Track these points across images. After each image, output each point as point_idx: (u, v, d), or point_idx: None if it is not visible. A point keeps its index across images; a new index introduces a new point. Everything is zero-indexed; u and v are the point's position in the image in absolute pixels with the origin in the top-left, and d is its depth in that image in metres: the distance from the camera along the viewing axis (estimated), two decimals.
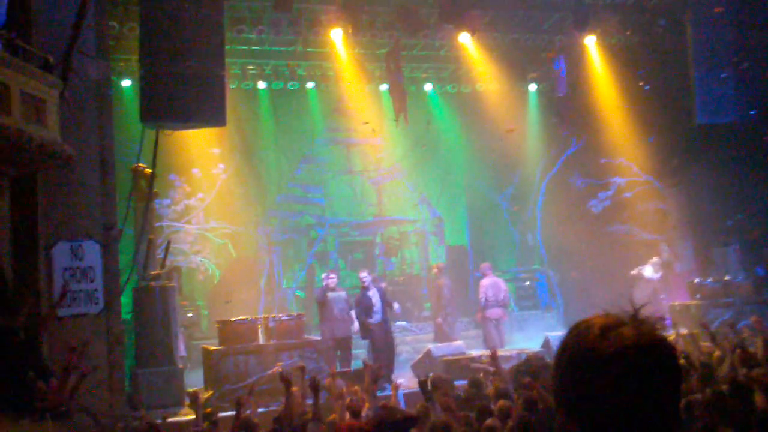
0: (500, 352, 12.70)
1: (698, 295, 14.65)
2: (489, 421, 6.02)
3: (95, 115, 10.52)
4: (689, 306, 14.29)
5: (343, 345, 13.17)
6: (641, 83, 17.02)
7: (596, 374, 1.54)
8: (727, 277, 15.09)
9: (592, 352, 1.56)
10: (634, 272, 15.92)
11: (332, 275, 13.62)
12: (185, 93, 11.40)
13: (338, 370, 11.82)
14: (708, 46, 15.16)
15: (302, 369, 8.83)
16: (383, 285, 14.47)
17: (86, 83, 10.28)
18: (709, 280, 15.02)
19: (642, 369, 1.53)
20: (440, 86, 19.35)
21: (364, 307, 13.02)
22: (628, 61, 16.97)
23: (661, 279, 15.86)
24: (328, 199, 18.94)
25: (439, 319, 15.47)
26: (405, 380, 11.52)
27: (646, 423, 1.53)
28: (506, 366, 9.95)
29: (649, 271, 15.84)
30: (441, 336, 15.13)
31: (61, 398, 7.07)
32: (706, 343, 10.34)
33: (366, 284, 13.20)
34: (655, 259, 16.02)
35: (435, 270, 16.02)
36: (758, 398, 6.59)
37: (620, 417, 1.53)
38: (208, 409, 9.00)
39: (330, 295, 13.23)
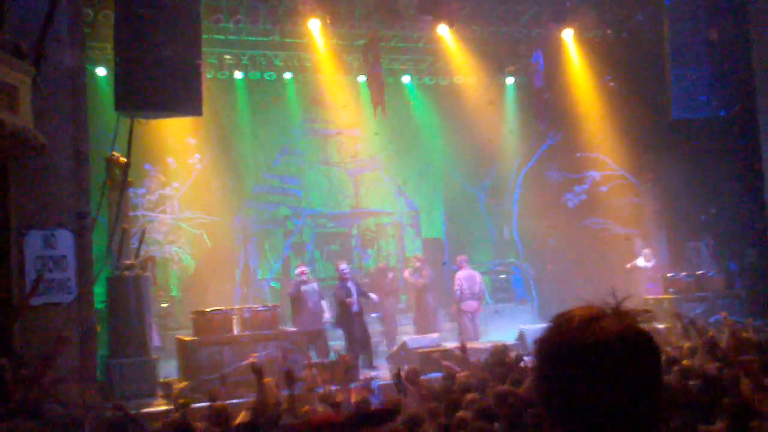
0: (474, 345, 12.80)
1: (671, 289, 14.79)
2: (460, 413, 6.03)
3: (69, 103, 10.40)
4: (662, 300, 14.43)
5: (318, 337, 13.19)
6: (608, 80, 17.13)
7: (576, 365, 1.53)
8: (699, 272, 15.25)
9: (572, 343, 1.54)
10: (629, 266, 16.07)
11: (304, 268, 13.62)
12: (161, 82, 11.28)
13: (314, 361, 11.84)
14: (684, 42, 15.27)
15: (285, 357, 8.78)
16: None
17: (60, 71, 10.16)
18: (683, 274, 15.17)
19: (623, 361, 1.52)
20: (418, 78, 19.33)
21: (341, 298, 13.09)
22: (605, 55, 17.06)
23: (654, 267, 16.06)
24: (305, 190, 18.89)
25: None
26: (381, 372, 11.55)
27: (627, 415, 1.52)
28: (481, 358, 10.01)
29: (642, 261, 16.04)
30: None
31: (33, 388, 7.01)
32: (673, 339, 10.47)
33: (346, 275, 13.23)
34: (646, 251, 16.22)
35: (417, 263, 15.86)
36: (744, 386, 6.69)
37: (600, 409, 1.51)
38: (182, 400, 8.95)
39: (303, 288, 13.26)
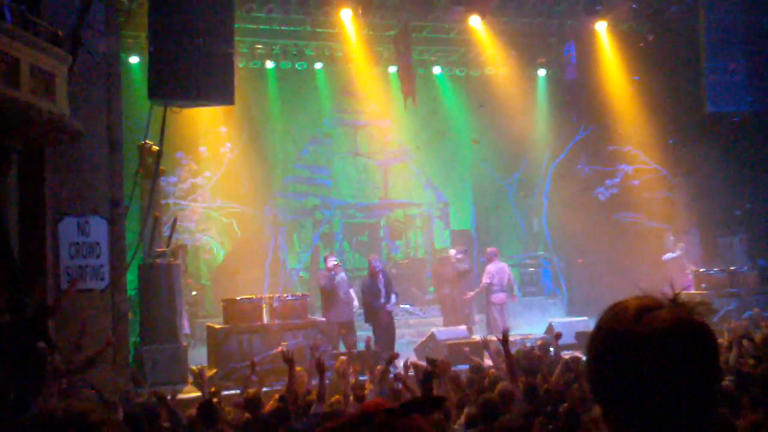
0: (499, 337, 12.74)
1: (703, 285, 14.62)
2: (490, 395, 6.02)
3: (103, 91, 10.51)
4: (694, 296, 14.28)
5: (348, 327, 13.20)
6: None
7: (631, 355, 1.50)
8: (732, 268, 15.06)
9: (627, 333, 1.52)
10: (665, 257, 15.92)
11: (333, 258, 13.61)
12: (193, 70, 11.34)
13: (342, 351, 11.88)
14: (721, 34, 15.05)
15: (315, 347, 8.79)
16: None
17: (95, 59, 10.26)
18: (715, 269, 14.99)
19: (678, 351, 1.49)
20: (449, 69, 19.25)
21: (373, 292, 13.08)
22: (639, 48, 16.86)
23: (684, 251, 15.88)
24: (335, 181, 18.91)
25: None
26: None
27: (682, 407, 1.50)
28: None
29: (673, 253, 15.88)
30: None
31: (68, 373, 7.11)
32: None
33: (377, 270, 13.22)
34: (680, 245, 16.05)
35: (459, 254, 15.62)
36: None
37: (655, 400, 1.49)
38: (213, 388, 9.02)
39: (336, 278, 13.26)
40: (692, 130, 16.16)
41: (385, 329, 13.00)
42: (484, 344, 9.10)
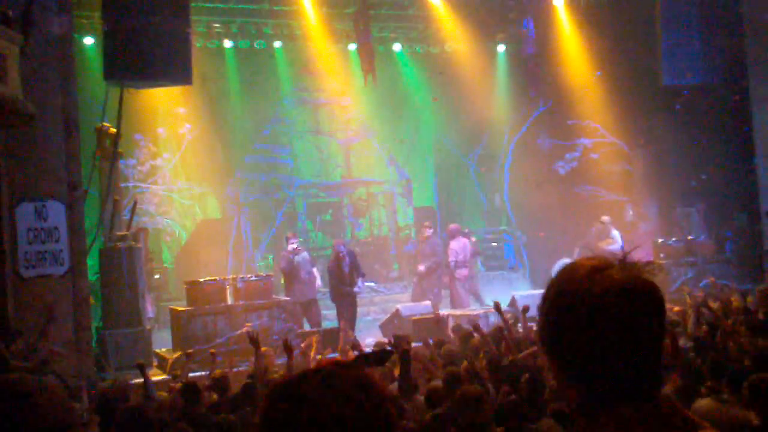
0: (466, 312, 12.90)
1: (662, 255, 14.88)
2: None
3: (58, 72, 10.29)
4: (657, 274, 14.49)
5: (311, 306, 13.26)
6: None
7: (582, 313, 1.56)
8: (689, 237, 15.35)
9: (578, 292, 1.57)
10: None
11: (293, 241, 13.61)
12: (149, 50, 11.18)
13: (307, 330, 11.93)
14: (676, 7, 15.22)
15: (252, 338, 8.71)
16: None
17: (48, 39, 10.04)
18: (673, 239, 15.26)
19: (628, 309, 1.55)
20: (409, 46, 19.22)
21: (338, 277, 13.10)
22: (596, 21, 16.98)
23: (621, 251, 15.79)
24: (296, 160, 18.83)
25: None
26: (373, 339, 11.61)
27: (631, 362, 1.55)
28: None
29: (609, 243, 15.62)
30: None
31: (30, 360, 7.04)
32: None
33: (342, 254, 13.23)
34: (615, 232, 15.64)
35: (429, 230, 15.65)
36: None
37: (605, 357, 1.55)
38: (177, 371, 9.01)
39: (295, 259, 13.28)
40: (649, 102, 16.35)
41: (347, 307, 13.08)
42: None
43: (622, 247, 14.69)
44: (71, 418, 1.87)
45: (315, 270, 13.74)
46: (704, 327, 8.21)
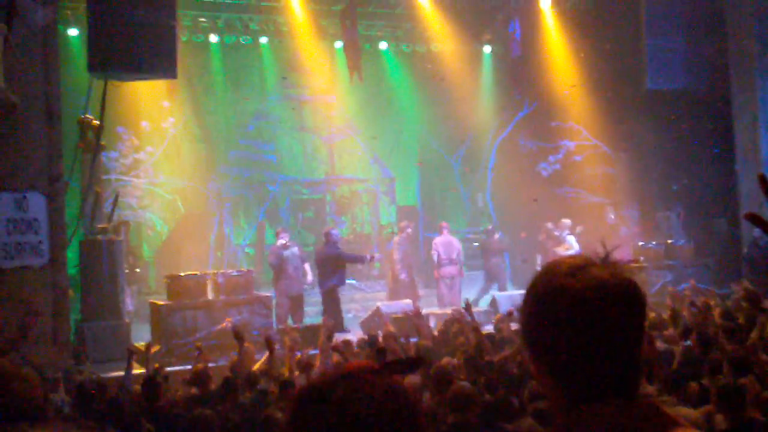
0: (446, 311, 12.91)
1: (642, 258, 14.97)
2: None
3: (41, 63, 10.21)
4: (638, 273, 14.60)
5: (297, 302, 13.25)
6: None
7: (562, 310, 1.56)
8: (669, 241, 15.46)
9: (559, 288, 1.58)
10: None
11: (284, 236, 13.61)
12: (134, 43, 11.11)
13: (291, 325, 11.89)
14: (660, 12, 15.33)
15: (237, 333, 8.66)
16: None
17: (32, 29, 9.97)
18: (653, 243, 15.36)
19: (608, 306, 1.55)
20: (395, 45, 19.24)
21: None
22: (582, 25, 17.07)
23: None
24: (280, 156, 18.79)
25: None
26: (354, 337, 11.61)
27: (611, 360, 1.56)
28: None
29: (572, 240, 15.29)
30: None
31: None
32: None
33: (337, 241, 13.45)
34: (571, 237, 15.42)
35: (410, 229, 15.78)
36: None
37: (584, 354, 1.55)
38: (156, 364, 8.97)
39: (285, 253, 13.27)
40: (633, 106, 16.46)
41: (331, 305, 13.10)
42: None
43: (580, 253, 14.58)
44: (44, 406, 1.87)
45: (307, 266, 13.70)
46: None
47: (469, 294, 14.09)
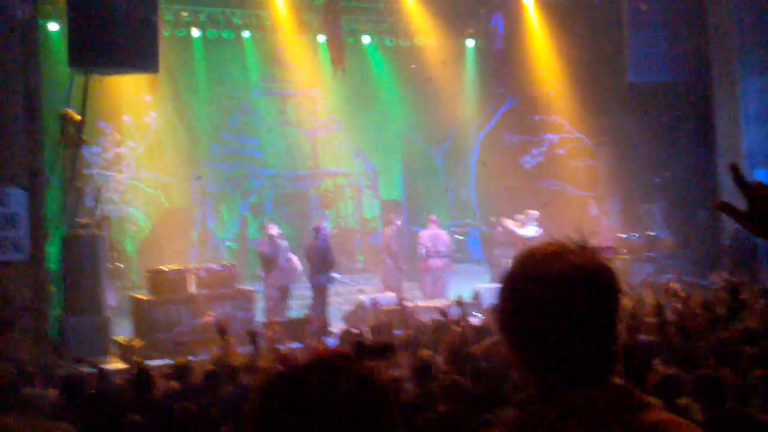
0: (429, 303, 12.96)
1: (623, 250, 15.07)
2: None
3: (21, 57, 10.16)
4: (614, 261, 14.67)
5: (284, 294, 13.21)
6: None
7: (538, 296, 1.58)
8: (651, 233, 15.56)
9: (536, 274, 1.59)
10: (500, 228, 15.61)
11: (274, 226, 13.59)
12: (116, 37, 11.01)
13: (274, 319, 11.88)
14: (642, 6, 15.41)
15: (220, 327, 8.63)
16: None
17: (11, 24, 9.91)
18: (634, 235, 15.46)
19: (585, 291, 1.57)
20: (378, 39, 19.22)
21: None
22: (565, 18, 17.13)
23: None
24: (264, 151, 18.73)
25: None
26: (338, 331, 11.64)
27: (584, 346, 1.57)
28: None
29: (529, 231, 14.98)
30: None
31: None
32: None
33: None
34: (521, 216, 15.40)
35: (399, 221, 15.86)
36: None
37: (559, 340, 1.56)
38: (137, 358, 8.96)
39: (280, 243, 13.25)
40: (615, 99, 16.53)
41: (321, 299, 13.10)
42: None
43: None
44: (14, 398, 1.88)
45: (295, 258, 13.64)
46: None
47: (459, 286, 14.15)
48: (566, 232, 1.67)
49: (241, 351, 8.55)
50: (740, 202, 1.74)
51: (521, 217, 15.36)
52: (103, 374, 7.53)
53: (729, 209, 1.72)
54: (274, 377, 1.47)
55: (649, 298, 10.17)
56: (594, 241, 1.68)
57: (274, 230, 13.34)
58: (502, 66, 18.34)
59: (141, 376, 6.58)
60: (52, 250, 11.34)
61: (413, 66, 18.66)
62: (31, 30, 10.44)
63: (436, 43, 18.45)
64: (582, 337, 1.57)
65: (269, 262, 13.15)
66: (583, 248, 1.63)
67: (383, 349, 1.55)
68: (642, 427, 1.51)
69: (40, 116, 10.47)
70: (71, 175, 11.81)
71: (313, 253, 13.27)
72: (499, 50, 18.00)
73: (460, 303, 8.80)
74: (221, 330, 8.02)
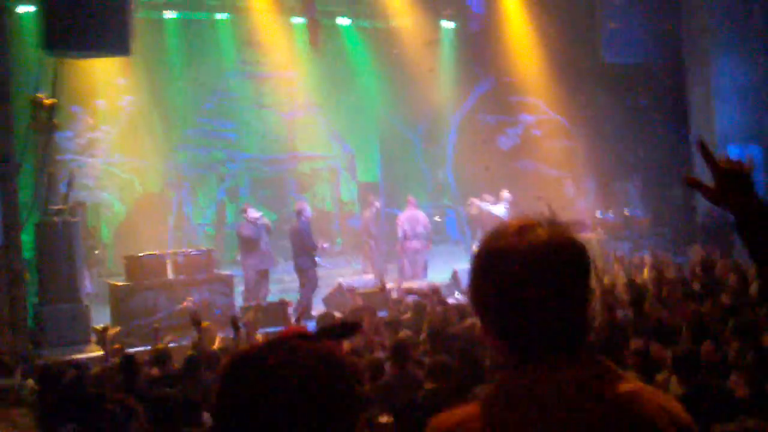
0: (409, 285, 12.99)
1: (600, 230, 15.19)
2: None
3: None
4: (590, 239, 14.81)
5: (264, 278, 13.16)
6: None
7: (510, 270, 1.57)
8: (626, 212, 15.70)
9: (507, 249, 1.59)
10: (473, 209, 15.62)
11: (255, 210, 13.51)
12: (87, 20, 10.86)
13: (253, 304, 11.85)
14: None
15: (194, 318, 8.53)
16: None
17: None
18: (610, 214, 15.59)
19: (554, 266, 1.57)
20: (355, 20, 19.09)
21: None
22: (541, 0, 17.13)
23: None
24: (239, 134, 18.59)
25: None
26: (317, 314, 11.64)
27: (556, 319, 1.57)
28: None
29: (500, 209, 15.12)
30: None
31: None
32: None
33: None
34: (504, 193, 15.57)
35: (377, 202, 15.85)
36: None
37: (527, 313, 1.56)
38: (116, 345, 8.91)
39: (261, 223, 13.17)
40: (590, 79, 16.61)
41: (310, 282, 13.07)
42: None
43: None
44: None
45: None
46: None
47: (438, 267, 14.16)
48: (539, 210, 1.67)
49: (222, 336, 8.53)
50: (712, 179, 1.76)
51: (490, 197, 15.41)
52: (80, 364, 7.46)
53: (698, 185, 1.76)
54: (235, 358, 1.49)
55: (621, 276, 10.29)
56: (564, 217, 1.68)
57: (255, 213, 13.25)
58: (479, 47, 18.32)
59: (128, 364, 6.55)
60: (26, 238, 11.19)
61: (395, 51, 18.54)
62: (0, 13, 10.24)
63: (413, 24, 18.36)
64: (551, 309, 1.56)
65: (250, 245, 13.07)
66: (552, 223, 1.63)
67: (344, 328, 1.54)
68: (614, 397, 1.52)
69: (9, 101, 10.30)
70: (44, 161, 11.64)
71: (295, 236, 13.20)
72: (475, 31, 17.96)
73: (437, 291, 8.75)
74: (195, 320, 7.98)
